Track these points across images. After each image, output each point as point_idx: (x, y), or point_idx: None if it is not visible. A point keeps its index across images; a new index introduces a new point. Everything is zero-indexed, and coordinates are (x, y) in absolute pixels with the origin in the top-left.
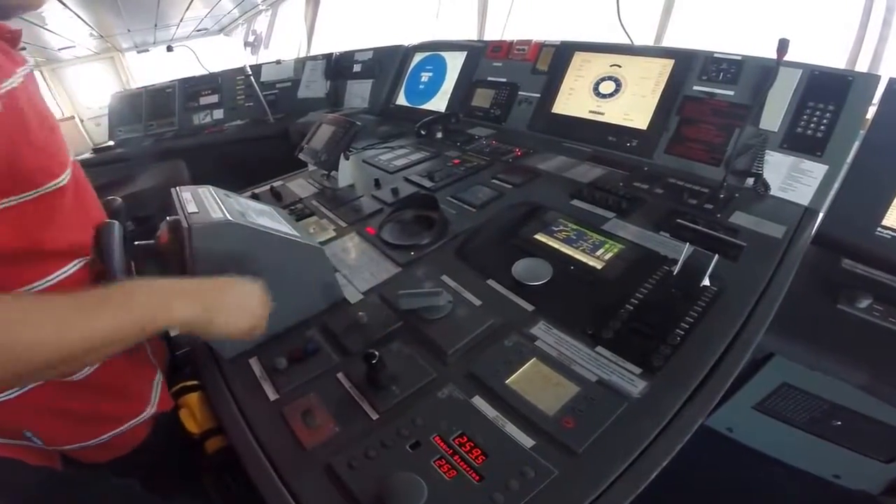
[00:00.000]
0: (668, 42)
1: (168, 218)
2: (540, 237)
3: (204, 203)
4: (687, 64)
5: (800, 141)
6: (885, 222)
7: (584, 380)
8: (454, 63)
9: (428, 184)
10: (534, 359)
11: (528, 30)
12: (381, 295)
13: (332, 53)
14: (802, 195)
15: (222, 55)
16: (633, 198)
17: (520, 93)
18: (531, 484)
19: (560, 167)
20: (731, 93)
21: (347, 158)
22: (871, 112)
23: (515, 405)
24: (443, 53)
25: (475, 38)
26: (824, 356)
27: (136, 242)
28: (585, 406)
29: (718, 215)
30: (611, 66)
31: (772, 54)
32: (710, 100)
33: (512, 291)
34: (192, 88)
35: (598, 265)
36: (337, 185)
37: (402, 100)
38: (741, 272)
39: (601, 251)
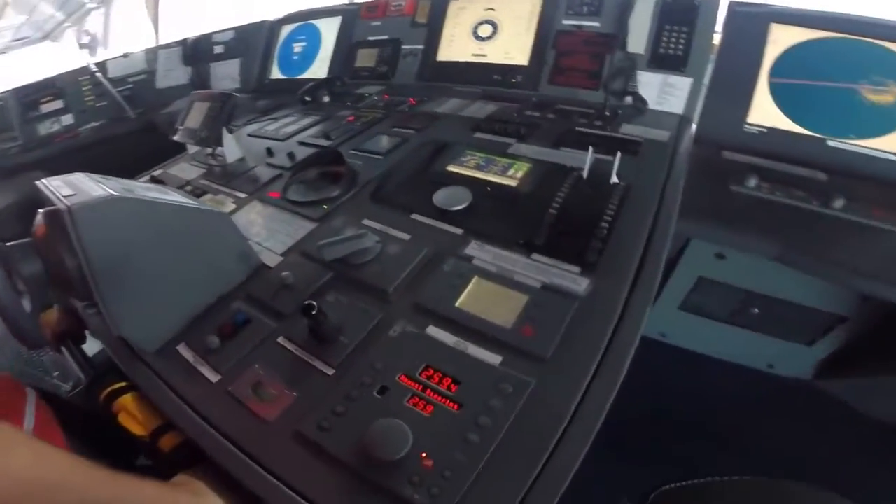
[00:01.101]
0: None
1: (41, 209)
2: (452, 168)
3: (80, 186)
4: (553, 1)
5: (664, 60)
6: (749, 120)
7: (530, 287)
8: (329, 29)
9: (326, 143)
10: (475, 277)
11: None
12: (303, 252)
13: (186, 39)
14: (676, 106)
15: (57, 62)
16: (529, 124)
17: (403, 47)
18: (512, 399)
19: (456, 108)
20: (598, 24)
21: (231, 132)
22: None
23: (471, 326)
24: (314, 22)
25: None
26: (734, 232)
27: (7, 244)
28: (539, 312)
29: (608, 129)
30: (485, 9)
31: None
32: (579, 31)
33: (437, 220)
34: (28, 98)
35: (513, 183)
36: (225, 161)
37: (276, 73)
38: (642, 169)
39: (511, 171)
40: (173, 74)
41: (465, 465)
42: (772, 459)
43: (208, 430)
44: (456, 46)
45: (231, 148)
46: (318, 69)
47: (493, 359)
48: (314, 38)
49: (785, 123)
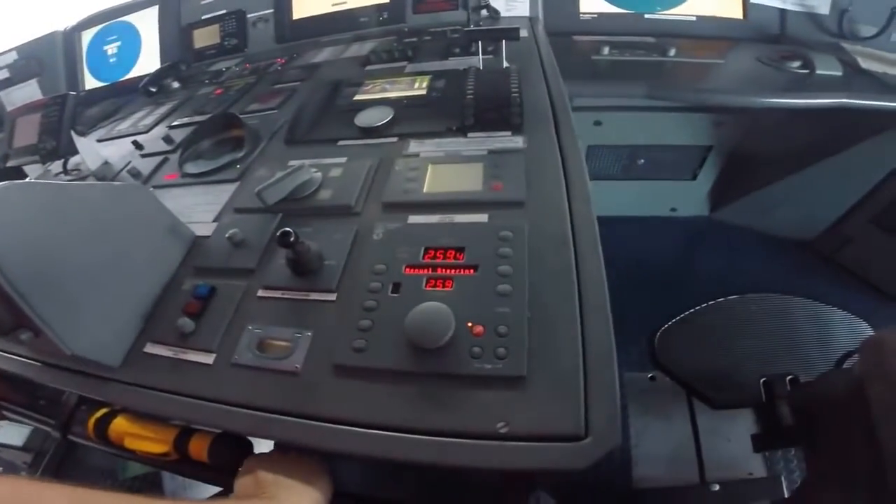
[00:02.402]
0: None
1: None
2: (360, 97)
3: None
4: None
5: None
6: (582, 10)
7: (480, 156)
8: (146, 22)
9: (201, 118)
10: (429, 165)
11: None
12: (236, 209)
13: None
14: (522, 10)
15: None
16: (412, 48)
17: (249, 16)
18: (518, 242)
19: (334, 54)
20: None
21: (84, 134)
22: None
23: (447, 200)
24: (123, 19)
25: None
26: (609, 86)
27: None
28: (498, 171)
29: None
30: None
31: None
32: None
33: (367, 137)
34: None
35: (423, 92)
36: (87, 171)
37: (93, 83)
38: (519, 55)
39: (417, 84)
40: None
41: (512, 315)
42: (714, 291)
43: (240, 413)
44: (311, 1)
45: (90, 151)
46: (147, 64)
47: (481, 217)
48: (130, 36)
49: (608, 8)
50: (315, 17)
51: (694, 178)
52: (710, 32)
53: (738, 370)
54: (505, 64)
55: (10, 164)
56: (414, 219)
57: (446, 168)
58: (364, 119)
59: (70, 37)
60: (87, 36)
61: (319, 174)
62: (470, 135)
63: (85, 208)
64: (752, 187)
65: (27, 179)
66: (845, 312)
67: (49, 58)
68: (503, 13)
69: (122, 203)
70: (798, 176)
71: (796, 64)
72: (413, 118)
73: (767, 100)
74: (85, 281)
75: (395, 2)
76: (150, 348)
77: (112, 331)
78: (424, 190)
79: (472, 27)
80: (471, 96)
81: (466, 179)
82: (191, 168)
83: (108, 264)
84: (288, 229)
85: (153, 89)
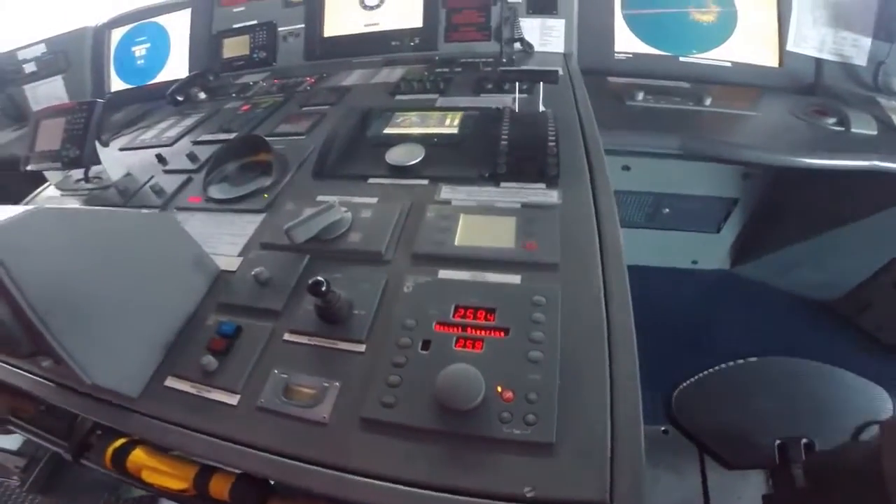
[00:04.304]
0: None
1: None
2: (390, 130)
3: None
4: None
5: (539, 5)
6: (617, 49)
7: (513, 209)
8: (176, 24)
9: (227, 136)
10: (461, 214)
11: None
12: (263, 244)
13: None
14: (557, 45)
15: None
16: (443, 79)
17: (280, 29)
18: (551, 308)
19: (363, 78)
20: None
21: (107, 144)
22: None
23: (479, 256)
24: (154, 20)
25: None
26: (643, 136)
27: None
28: (532, 227)
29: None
30: None
31: None
32: None
33: (398, 177)
34: None
35: (454, 130)
36: (108, 181)
37: (119, 84)
38: (554, 97)
39: (448, 121)
40: None
41: (543, 382)
42: (732, 347)
43: (265, 457)
44: (343, 20)
45: (113, 162)
46: (175, 70)
47: (513, 278)
48: (160, 38)
49: (644, 48)
50: (346, 36)
51: (718, 231)
52: (744, 79)
53: (754, 431)
54: (541, 108)
55: (30, 167)
56: (444, 273)
57: (477, 219)
58: (395, 157)
59: (100, 34)
60: (116, 34)
61: (349, 214)
62: (503, 184)
63: (111, 236)
64: (776, 245)
65: (48, 186)
66: (864, 379)
67: (77, 54)
68: (537, 47)
69: (149, 232)
70: (824, 237)
71: (831, 120)
72: (444, 159)
73: (801, 159)
74: (107, 310)
75: (428, 28)
76: (171, 382)
77: (132, 362)
78: (455, 243)
79: (505, 63)
80: (505, 142)
81: (499, 234)
82: (216, 192)
83: (131, 294)
84: (320, 279)
85: (180, 98)
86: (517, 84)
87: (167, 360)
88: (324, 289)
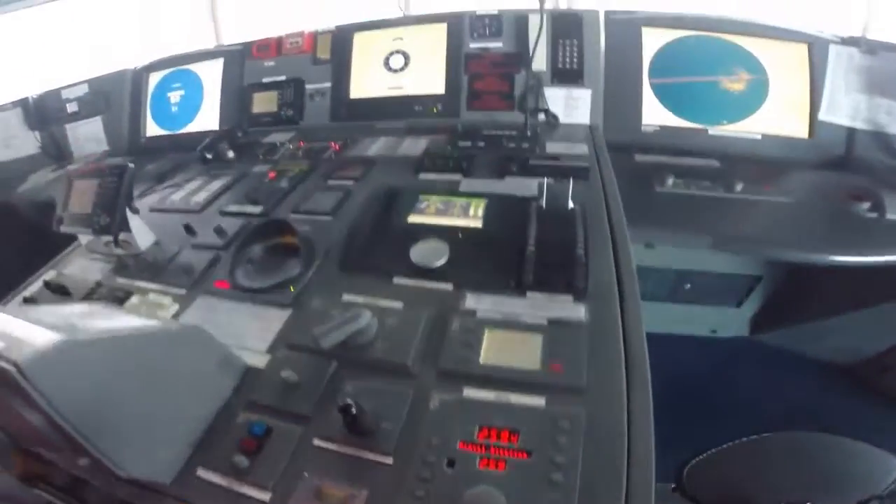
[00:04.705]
0: None
1: None
2: (413, 218)
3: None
4: (458, 25)
5: (564, 75)
6: (644, 121)
7: (539, 326)
8: (210, 74)
9: (256, 209)
10: (486, 329)
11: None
12: (290, 344)
13: (27, 98)
14: (582, 116)
15: None
16: (466, 156)
17: (307, 86)
18: (574, 432)
19: (387, 148)
20: (501, 44)
21: (137, 212)
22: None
23: (504, 377)
24: (189, 67)
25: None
26: (674, 233)
27: None
28: (558, 347)
29: (537, 149)
30: (393, 40)
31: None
32: (486, 54)
33: (423, 279)
34: None
35: (479, 224)
36: (136, 249)
37: (154, 129)
38: (585, 186)
39: (472, 211)
40: (17, 143)
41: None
42: (752, 414)
43: None
44: (369, 81)
45: (142, 231)
46: (206, 120)
47: (538, 401)
48: (194, 86)
49: (672, 120)
50: (371, 99)
51: (739, 305)
52: (775, 153)
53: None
54: (570, 204)
55: (63, 229)
56: (469, 392)
57: (503, 335)
58: (420, 256)
59: (138, 77)
60: (154, 78)
61: (375, 320)
62: (529, 294)
63: (139, 356)
64: (797, 319)
65: (78, 245)
66: (882, 450)
67: (116, 96)
68: (562, 119)
69: (181, 345)
70: (847, 316)
71: (866, 206)
72: (469, 259)
73: (832, 258)
74: (138, 415)
75: (451, 95)
76: (203, 473)
77: (164, 455)
78: (481, 361)
79: (530, 137)
80: (532, 248)
81: (523, 353)
82: (243, 279)
83: (161, 399)
84: (349, 402)
85: (209, 156)
86: (545, 178)
87: (198, 452)
88: (353, 412)
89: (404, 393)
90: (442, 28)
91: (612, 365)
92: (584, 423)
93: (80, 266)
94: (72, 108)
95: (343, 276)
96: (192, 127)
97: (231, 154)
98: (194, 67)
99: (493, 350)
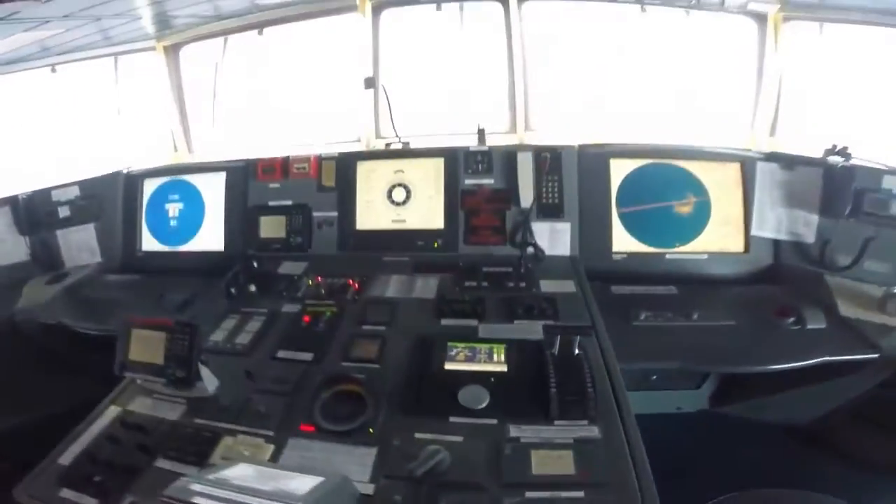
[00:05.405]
0: None
1: None
2: (449, 366)
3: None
4: (454, 160)
5: (548, 209)
6: (614, 250)
7: (568, 444)
8: (211, 188)
9: (307, 356)
10: (531, 451)
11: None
12: (388, 475)
13: (16, 197)
14: (564, 248)
15: None
16: (476, 299)
17: (315, 214)
18: None
19: (404, 289)
20: (492, 181)
21: (207, 364)
22: None
23: (551, 481)
24: (187, 178)
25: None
26: (652, 363)
27: None
28: (583, 458)
29: (534, 290)
30: (395, 172)
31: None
32: (480, 190)
33: (472, 417)
34: None
35: (504, 368)
36: (204, 393)
37: (151, 243)
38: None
39: (496, 356)
40: (6, 248)
41: None
42: (718, 476)
43: None
44: (374, 214)
45: (209, 378)
46: (209, 239)
47: (578, 494)
48: (193, 200)
49: (636, 246)
50: (377, 231)
51: (698, 387)
52: (719, 271)
53: None
54: (576, 351)
55: (129, 375)
56: (531, 494)
57: (544, 453)
58: (466, 400)
59: (132, 182)
60: (149, 186)
61: (447, 453)
62: (556, 422)
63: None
64: (747, 395)
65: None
66: (836, 499)
67: (109, 201)
68: (549, 251)
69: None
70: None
71: (791, 320)
72: (506, 399)
73: (771, 366)
74: None
75: (449, 230)
76: None
77: None
78: (533, 472)
79: (524, 273)
80: (554, 389)
81: (562, 465)
82: (324, 423)
83: None
84: None
85: (233, 291)
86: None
87: None
88: None
89: (482, 502)
90: (439, 163)
91: (624, 468)
92: None
93: (145, 404)
94: (63, 212)
95: (409, 418)
96: (194, 245)
97: (253, 288)
98: (193, 179)
99: (540, 464)
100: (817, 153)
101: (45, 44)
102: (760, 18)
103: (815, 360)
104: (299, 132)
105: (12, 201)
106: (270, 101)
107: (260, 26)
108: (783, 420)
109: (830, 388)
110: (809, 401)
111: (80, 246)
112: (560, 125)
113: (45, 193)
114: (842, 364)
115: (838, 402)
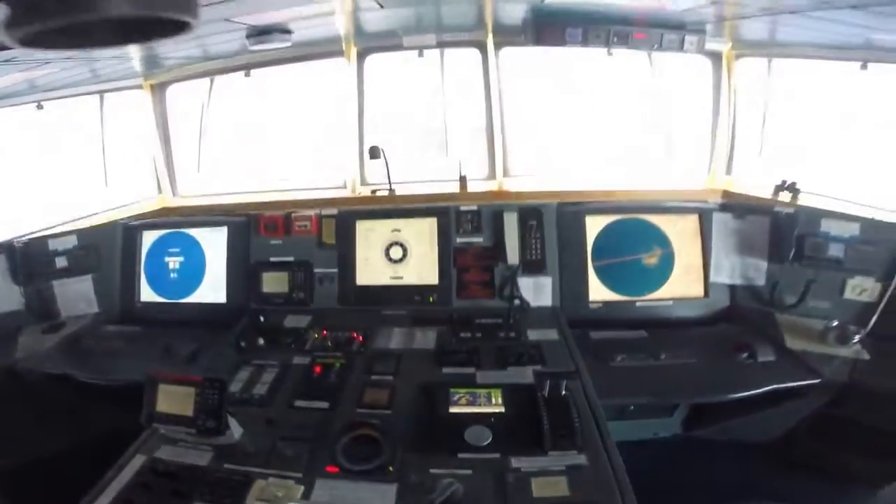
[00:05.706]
0: None
1: None
2: (453, 409)
3: None
4: (446, 218)
5: (532, 265)
6: (590, 299)
7: (562, 471)
8: (212, 242)
9: (323, 405)
10: (531, 478)
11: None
12: None
13: (12, 243)
14: (546, 299)
15: None
16: (472, 349)
17: (316, 270)
18: None
19: (405, 341)
20: (481, 239)
21: (234, 415)
22: None
23: (551, 502)
24: (188, 231)
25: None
26: (627, 399)
27: None
28: (575, 483)
29: (522, 338)
30: (392, 230)
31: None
32: (471, 248)
33: (478, 453)
34: None
35: (501, 409)
36: (231, 441)
37: (150, 295)
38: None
39: (493, 399)
40: None
41: None
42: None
43: None
44: (372, 270)
45: (234, 427)
46: (211, 292)
47: None
48: (194, 253)
49: (609, 295)
50: (376, 287)
51: (671, 415)
52: (683, 314)
53: None
54: (563, 392)
55: (158, 426)
56: None
57: (543, 480)
58: (472, 438)
59: (131, 233)
60: (148, 237)
61: (461, 485)
62: (550, 453)
63: None
64: (716, 420)
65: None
66: None
67: (108, 252)
68: (534, 303)
69: None
70: (752, 416)
71: (745, 355)
72: (506, 435)
73: (729, 395)
74: None
75: (443, 285)
76: None
77: None
78: (534, 495)
79: (512, 325)
80: (547, 424)
81: (558, 489)
82: (346, 463)
83: None
84: None
85: (243, 344)
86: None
87: None
88: None
89: None
90: (433, 222)
91: (608, 484)
92: None
93: (172, 452)
94: (61, 262)
95: (421, 455)
96: (195, 297)
97: (261, 341)
98: (194, 232)
99: (539, 489)
100: (769, 189)
101: (35, 81)
102: (716, 57)
103: (766, 389)
104: (286, 176)
105: (8, 248)
106: (257, 143)
107: (247, 68)
108: (749, 439)
109: (786, 410)
110: (770, 421)
111: (77, 296)
112: (537, 167)
113: (41, 242)
114: (790, 389)
115: (794, 421)
